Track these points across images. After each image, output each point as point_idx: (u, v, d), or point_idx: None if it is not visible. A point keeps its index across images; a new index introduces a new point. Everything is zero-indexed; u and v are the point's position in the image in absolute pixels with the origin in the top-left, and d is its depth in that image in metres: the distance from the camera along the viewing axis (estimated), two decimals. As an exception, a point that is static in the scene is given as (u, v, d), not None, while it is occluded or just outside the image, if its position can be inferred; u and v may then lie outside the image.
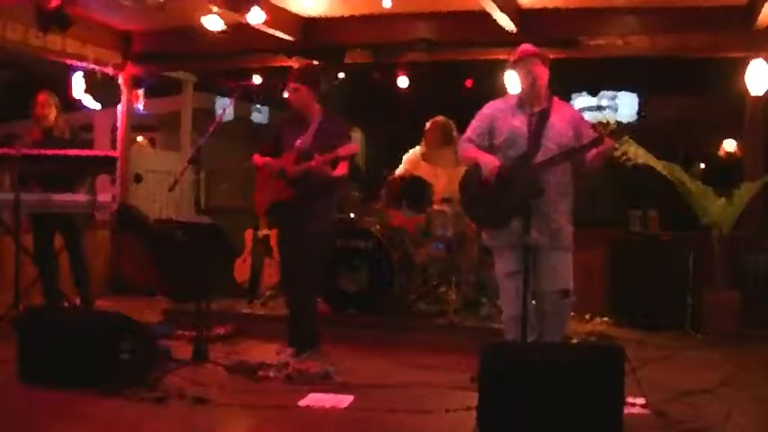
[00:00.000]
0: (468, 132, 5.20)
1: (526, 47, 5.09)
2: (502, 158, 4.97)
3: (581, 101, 13.89)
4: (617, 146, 4.89)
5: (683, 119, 13.72)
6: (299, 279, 5.81)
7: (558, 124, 4.96)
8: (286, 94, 5.96)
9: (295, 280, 5.85)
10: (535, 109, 4.99)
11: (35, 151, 6.53)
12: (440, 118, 7.49)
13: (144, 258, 8.93)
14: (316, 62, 8.69)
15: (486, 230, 5.24)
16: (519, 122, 4.95)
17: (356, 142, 14.16)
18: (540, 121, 4.93)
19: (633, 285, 7.50)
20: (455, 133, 7.43)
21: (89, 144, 7.99)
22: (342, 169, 5.77)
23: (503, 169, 4.92)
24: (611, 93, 14.97)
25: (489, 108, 5.19)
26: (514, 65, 5.08)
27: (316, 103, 5.91)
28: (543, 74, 5.01)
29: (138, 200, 10.00)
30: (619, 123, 4.76)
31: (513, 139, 4.95)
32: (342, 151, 5.69)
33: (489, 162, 4.96)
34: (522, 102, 5.06)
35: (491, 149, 5.06)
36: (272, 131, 6.22)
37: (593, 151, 4.87)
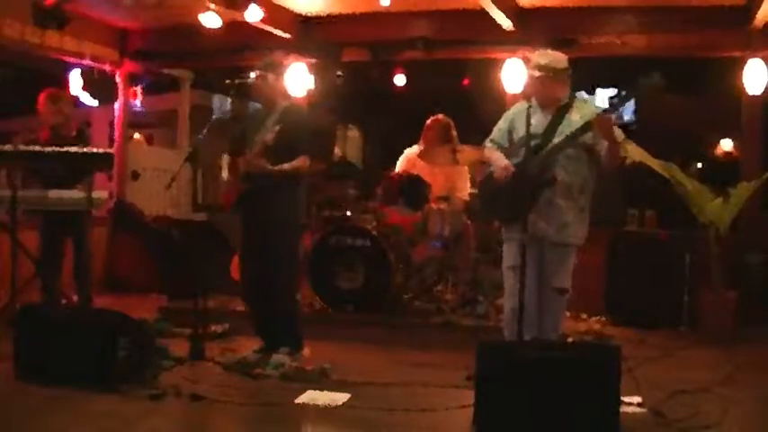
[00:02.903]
0: (492, 134, 5.39)
1: (538, 60, 5.12)
2: (521, 156, 5.05)
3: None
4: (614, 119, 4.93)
5: (680, 118, 13.74)
6: (273, 278, 5.68)
7: (577, 120, 5.04)
8: (251, 78, 5.80)
9: (266, 279, 5.71)
10: (554, 108, 5.11)
11: (31, 148, 6.52)
12: (440, 116, 7.50)
13: (140, 256, 8.92)
14: (314, 60, 8.71)
15: (504, 225, 5.30)
16: (536, 121, 5.05)
17: (353, 140, 14.06)
18: (557, 117, 5.07)
19: (630, 284, 7.51)
20: (454, 132, 7.45)
21: (93, 140, 7.97)
22: (298, 162, 5.57)
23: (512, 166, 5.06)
24: (608, 91, 15.01)
25: (512, 109, 5.37)
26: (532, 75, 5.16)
27: (280, 95, 5.81)
28: (550, 90, 5.10)
29: (134, 197, 9.98)
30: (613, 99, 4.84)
31: (531, 136, 4.99)
32: (268, 138, 5.47)
33: (500, 161, 5.13)
34: (542, 103, 5.16)
35: (511, 146, 5.20)
36: (239, 127, 6.02)
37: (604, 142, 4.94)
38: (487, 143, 5.39)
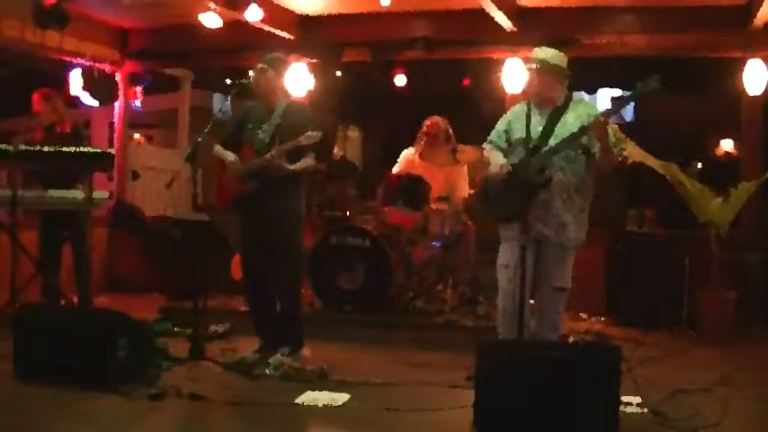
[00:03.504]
0: (490, 136, 5.42)
1: (535, 54, 5.15)
2: (518, 156, 5.08)
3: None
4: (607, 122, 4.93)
5: (680, 118, 13.73)
6: (280, 275, 5.72)
7: (572, 121, 5.05)
8: (252, 73, 5.81)
9: (272, 276, 5.76)
10: (550, 108, 5.11)
11: (32, 148, 6.52)
12: (437, 118, 7.48)
13: (140, 255, 8.92)
14: (314, 60, 8.71)
15: (501, 224, 5.32)
16: (533, 121, 5.03)
17: (353, 140, 14.00)
18: (553, 118, 5.09)
19: (630, 284, 7.51)
20: (451, 132, 7.44)
21: (89, 139, 7.97)
22: (307, 161, 5.62)
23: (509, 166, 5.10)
24: (608, 91, 14.97)
25: (510, 111, 5.41)
26: (527, 68, 5.22)
27: (280, 92, 5.81)
28: (544, 86, 5.10)
29: (135, 197, 9.98)
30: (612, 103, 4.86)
31: (527, 136, 5.01)
32: (302, 140, 5.43)
33: (497, 160, 5.19)
34: (537, 102, 5.16)
35: (509, 147, 5.24)
36: (234, 121, 6.03)
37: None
38: (486, 145, 5.42)
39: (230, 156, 5.73)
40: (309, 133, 5.46)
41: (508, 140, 5.26)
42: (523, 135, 5.03)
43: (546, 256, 5.07)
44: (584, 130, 4.87)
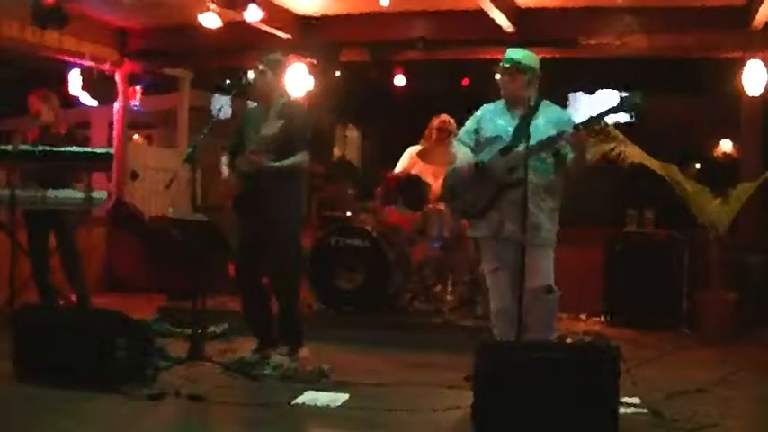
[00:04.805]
0: (459, 134, 5.45)
1: (509, 54, 5.15)
2: (487, 155, 5.10)
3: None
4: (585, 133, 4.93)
5: (679, 119, 13.73)
6: (278, 273, 5.72)
7: (542, 124, 5.04)
8: (251, 74, 5.81)
9: (270, 276, 5.78)
10: (521, 109, 5.10)
11: (32, 148, 6.52)
12: (446, 117, 7.45)
13: (139, 256, 8.92)
14: (314, 60, 8.71)
15: (467, 221, 5.41)
16: (504, 122, 5.13)
17: (353, 140, 14.01)
18: (524, 119, 5.04)
19: (629, 285, 7.51)
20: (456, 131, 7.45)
21: (86, 141, 7.97)
22: (297, 158, 5.59)
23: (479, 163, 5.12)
24: (608, 92, 14.97)
25: (480, 110, 5.39)
26: (500, 69, 5.20)
27: (277, 93, 5.81)
28: (516, 86, 5.10)
29: (134, 197, 9.98)
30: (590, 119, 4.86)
31: (497, 137, 5.11)
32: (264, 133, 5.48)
33: (465, 154, 5.22)
34: (509, 103, 5.19)
35: (477, 146, 5.23)
36: (237, 129, 5.99)
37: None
38: (454, 142, 5.44)
39: (225, 172, 5.77)
40: (271, 128, 5.49)
41: (477, 140, 5.25)
42: (493, 134, 5.12)
43: (524, 259, 5.00)
44: (558, 136, 4.87)
